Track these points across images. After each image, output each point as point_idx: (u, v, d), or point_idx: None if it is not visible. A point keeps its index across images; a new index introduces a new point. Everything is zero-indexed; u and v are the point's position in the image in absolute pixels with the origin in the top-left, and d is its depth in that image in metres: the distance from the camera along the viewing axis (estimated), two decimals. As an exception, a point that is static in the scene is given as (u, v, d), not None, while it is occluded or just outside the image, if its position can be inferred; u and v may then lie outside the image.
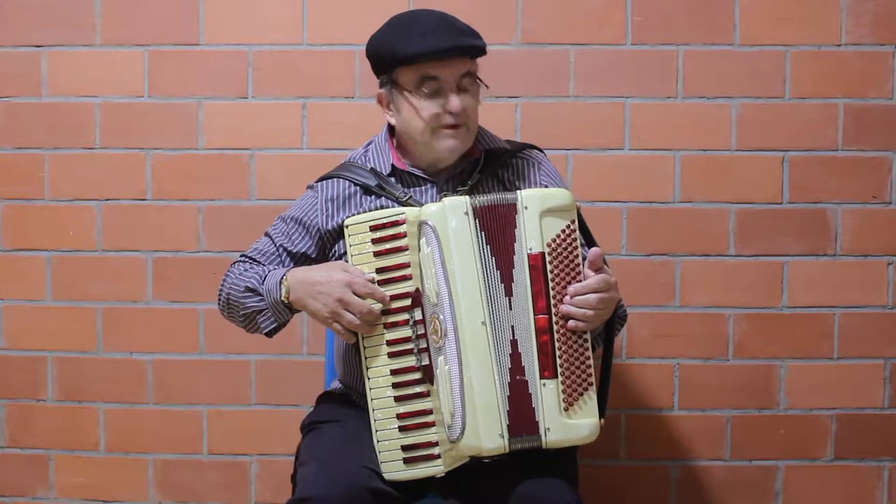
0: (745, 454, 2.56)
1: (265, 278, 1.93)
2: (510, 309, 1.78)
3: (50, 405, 2.60)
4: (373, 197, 1.98)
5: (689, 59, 2.52)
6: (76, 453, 2.61)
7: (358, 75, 2.54)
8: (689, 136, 2.53)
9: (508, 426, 1.75)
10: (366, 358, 1.85)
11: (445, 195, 1.85)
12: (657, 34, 2.52)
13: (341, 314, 1.83)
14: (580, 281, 1.79)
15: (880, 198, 2.53)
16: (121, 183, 2.57)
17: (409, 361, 1.83)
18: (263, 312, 1.94)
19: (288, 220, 2.04)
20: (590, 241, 1.91)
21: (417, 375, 1.82)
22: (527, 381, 1.77)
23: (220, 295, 2.03)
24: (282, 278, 1.90)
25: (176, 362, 2.59)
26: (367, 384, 1.85)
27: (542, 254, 1.78)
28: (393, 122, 2.00)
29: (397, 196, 1.95)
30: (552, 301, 1.78)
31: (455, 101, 1.90)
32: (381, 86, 1.99)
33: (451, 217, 1.78)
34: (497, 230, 1.80)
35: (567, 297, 1.77)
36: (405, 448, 1.81)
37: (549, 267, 1.78)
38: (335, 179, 2.02)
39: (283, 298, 1.89)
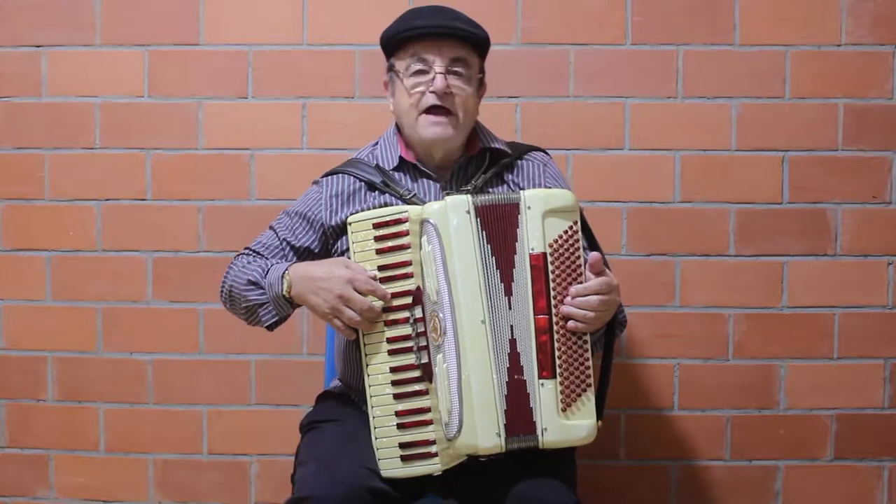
0: (745, 454, 2.56)
1: (267, 272, 1.94)
2: (510, 308, 1.78)
3: (50, 405, 2.60)
4: (377, 193, 1.99)
5: (689, 59, 2.52)
6: (76, 453, 2.61)
7: (358, 75, 2.54)
8: (689, 136, 2.53)
9: (505, 425, 1.75)
10: (366, 355, 1.85)
11: (449, 194, 1.85)
12: (657, 34, 2.52)
13: (342, 310, 1.83)
14: (581, 282, 1.79)
15: (880, 198, 2.53)
16: (121, 183, 2.57)
17: (409, 359, 1.83)
18: (265, 306, 1.95)
19: (292, 215, 2.05)
20: (592, 244, 1.91)
21: (417, 373, 1.82)
22: (525, 380, 1.77)
23: (222, 287, 2.04)
24: (284, 273, 1.90)
25: (176, 362, 2.59)
26: (367, 381, 1.85)
27: (544, 254, 1.78)
28: (392, 108, 2.04)
29: (401, 194, 1.96)
30: (552, 301, 1.78)
31: (439, 81, 1.92)
32: (387, 73, 2.04)
33: (452, 215, 1.79)
34: (499, 229, 1.80)
35: (568, 298, 1.78)
36: (402, 445, 1.81)
37: (550, 267, 1.79)
38: (340, 175, 2.04)
39: (284, 293, 1.89)
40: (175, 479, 2.60)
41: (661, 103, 2.53)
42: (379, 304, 1.83)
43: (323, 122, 2.55)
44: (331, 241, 2.01)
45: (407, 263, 1.83)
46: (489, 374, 1.76)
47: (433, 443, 1.81)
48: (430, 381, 1.81)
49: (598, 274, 1.79)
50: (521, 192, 1.82)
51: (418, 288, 1.83)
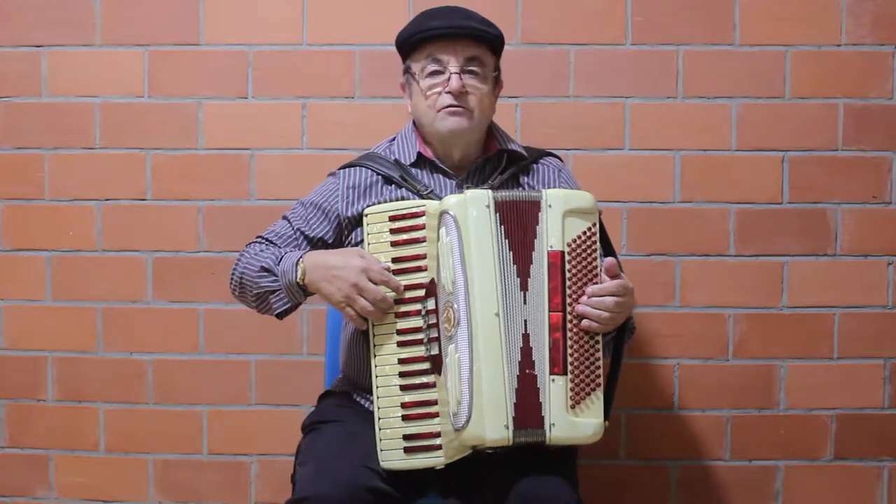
0: (745, 454, 2.56)
1: (281, 259, 1.94)
2: (525, 303, 1.79)
3: (50, 405, 2.60)
4: (393, 187, 2.01)
5: (689, 59, 2.52)
6: (76, 453, 2.61)
7: (358, 75, 2.54)
8: (689, 136, 2.53)
9: (514, 418, 1.75)
10: (374, 346, 1.86)
11: (468, 187, 1.87)
12: (657, 34, 2.52)
13: (355, 299, 1.84)
14: (596, 283, 1.81)
15: (880, 198, 2.53)
16: (121, 183, 2.57)
17: (418, 351, 1.83)
18: (277, 293, 1.95)
19: (307, 205, 2.06)
20: (608, 250, 1.91)
21: (425, 366, 1.83)
22: (536, 375, 1.77)
23: (233, 274, 2.04)
24: (298, 260, 1.91)
25: (176, 362, 2.59)
26: (374, 371, 1.86)
27: (562, 252, 1.80)
28: (409, 110, 2.05)
29: (418, 189, 1.98)
30: (567, 300, 1.79)
31: (454, 81, 1.94)
32: (403, 74, 2.05)
33: (472, 208, 1.80)
34: (518, 226, 1.81)
35: (584, 298, 1.79)
36: (407, 437, 1.81)
37: (567, 266, 1.80)
38: (357, 168, 2.05)
39: (298, 280, 1.90)
40: (175, 479, 2.60)
41: (661, 103, 2.53)
42: (392, 295, 1.84)
43: (323, 122, 2.55)
44: (345, 232, 2.03)
45: (421, 257, 1.85)
46: (500, 367, 1.76)
47: (438, 435, 1.81)
48: (440, 374, 1.81)
49: (614, 277, 1.81)
50: (543, 190, 1.83)
51: (432, 280, 1.83)
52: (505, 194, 1.82)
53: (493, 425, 1.74)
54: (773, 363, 2.55)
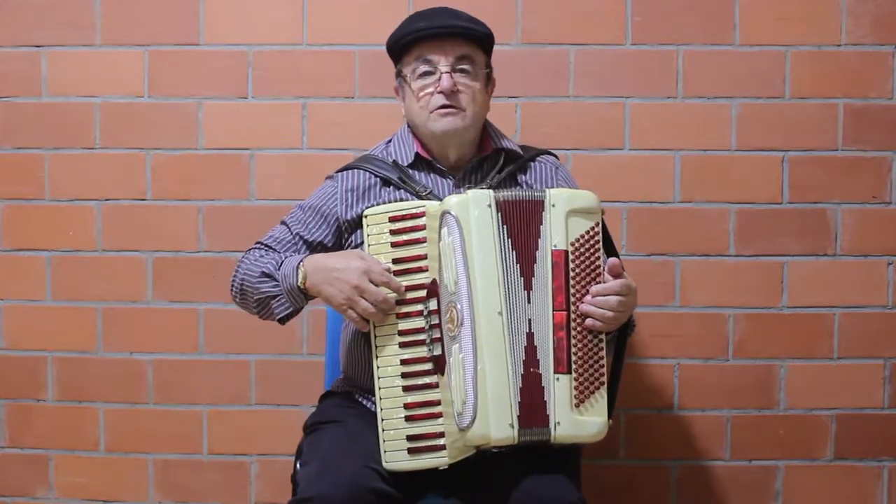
0: (745, 454, 2.57)
1: (281, 264, 1.94)
2: (528, 302, 1.79)
3: (50, 405, 2.60)
4: (392, 188, 2.01)
5: (689, 59, 2.52)
6: (76, 453, 2.61)
7: (358, 75, 2.54)
8: (689, 136, 2.53)
9: (519, 417, 1.75)
10: (376, 347, 1.86)
11: (469, 187, 1.87)
12: (657, 34, 2.52)
13: (357, 301, 1.83)
14: (599, 283, 1.81)
15: (880, 198, 2.53)
16: (121, 183, 2.57)
17: (421, 352, 1.83)
18: (278, 298, 1.95)
19: (306, 209, 2.06)
20: (610, 250, 1.92)
21: (427, 366, 1.83)
22: (540, 374, 1.77)
23: (233, 281, 2.04)
24: (299, 264, 1.91)
25: (176, 362, 2.59)
26: (376, 373, 1.85)
27: (566, 251, 1.80)
28: (404, 113, 2.05)
29: (417, 190, 1.98)
30: (571, 299, 1.79)
31: (445, 80, 1.95)
32: (396, 78, 2.06)
33: (473, 207, 1.80)
34: (520, 225, 1.81)
35: (588, 297, 1.80)
36: (410, 438, 1.81)
37: (571, 265, 1.80)
38: (355, 170, 2.05)
39: (299, 284, 1.90)
40: (175, 479, 2.60)
41: (661, 103, 2.53)
42: (393, 296, 1.84)
43: (323, 122, 2.55)
44: (345, 235, 2.03)
45: (422, 257, 1.85)
46: (505, 366, 1.76)
47: (441, 435, 1.81)
48: (442, 374, 1.81)
49: (617, 277, 1.81)
50: (547, 189, 1.84)
51: (434, 281, 1.83)
52: (507, 194, 1.82)
53: (498, 424, 1.74)
54: (772, 363, 2.55)
